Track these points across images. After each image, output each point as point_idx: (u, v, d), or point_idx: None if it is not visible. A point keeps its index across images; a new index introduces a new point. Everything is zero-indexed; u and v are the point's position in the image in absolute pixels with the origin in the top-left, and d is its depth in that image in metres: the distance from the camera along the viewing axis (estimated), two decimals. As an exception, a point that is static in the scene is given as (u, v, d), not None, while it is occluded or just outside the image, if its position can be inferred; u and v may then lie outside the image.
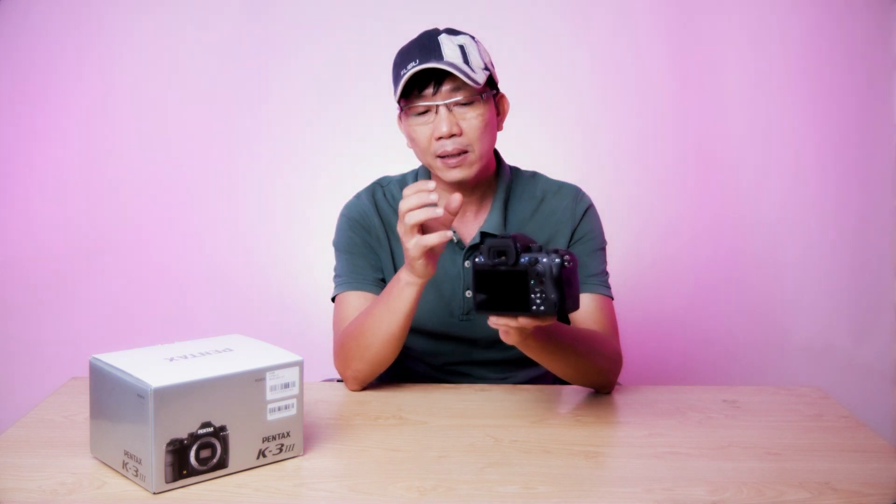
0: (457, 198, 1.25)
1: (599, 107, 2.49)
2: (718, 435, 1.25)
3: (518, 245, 1.13)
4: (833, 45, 2.43)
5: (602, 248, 1.54)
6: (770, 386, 1.51)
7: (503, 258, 1.14)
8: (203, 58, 2.46)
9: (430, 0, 2.31)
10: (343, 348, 1.43)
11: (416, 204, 1.24)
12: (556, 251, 1.11)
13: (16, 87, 2.45)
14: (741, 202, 2.48)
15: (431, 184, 1.24)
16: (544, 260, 1.11)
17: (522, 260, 1.12)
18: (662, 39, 2.44)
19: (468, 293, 1.49)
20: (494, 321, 1.17)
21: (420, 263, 1.28)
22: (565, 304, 1.12)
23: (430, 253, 1.28)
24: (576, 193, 1.55)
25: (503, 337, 1.20)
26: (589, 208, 1.54)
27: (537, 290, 1.11)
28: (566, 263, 1.11)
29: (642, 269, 2.46)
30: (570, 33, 2.46)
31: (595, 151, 2.49)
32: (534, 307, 1.12)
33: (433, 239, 1.24)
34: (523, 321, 1.14)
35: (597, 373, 1.40)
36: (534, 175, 1.58)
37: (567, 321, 1.48)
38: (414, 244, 1.25)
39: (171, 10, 2.45)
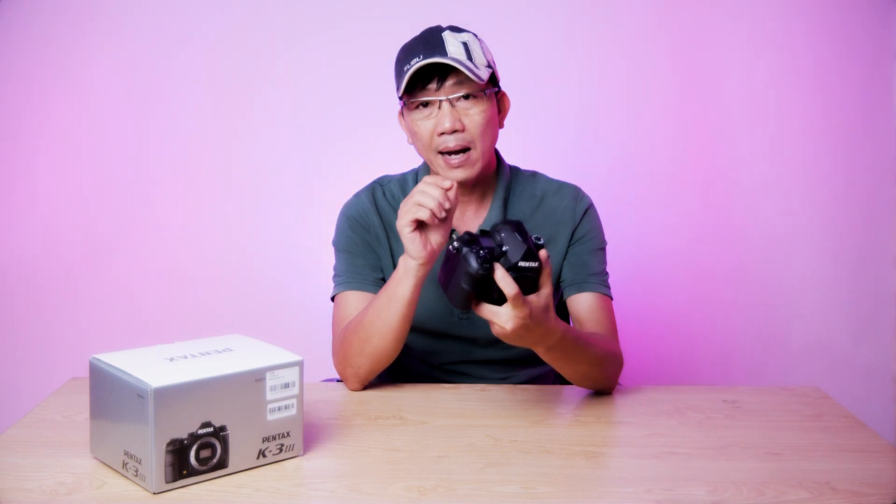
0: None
1: (600, 106, 2.49)
2: (718, 435, 1.25)
3: (492, 230, 1.16)
4: (833, 44, 2.43)
5: (602, 247, 1.54)
6: (770, 386, 1.51)
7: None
8: (203, 57, 2.46)
9: (430, 0, 2.30)
10: (344, 344, 1.43)
11: (426, 188, 1.29)
12: (478, 246, 1.13)
13: (15, 87, 2.45)
14: (741, 202, 2.48)
15: (449, 182, 1.30)
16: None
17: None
18: (663, 39, 2.44)
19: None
20: None
21: (410, 239, 1.30)
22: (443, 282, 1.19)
23: (423, 231, 1.31)
24: (576, 193, 1.55)
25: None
26: (589, 208, 1.54)
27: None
28: (450, 246, 1.15)
29: (642, 269, 2.46)
30: (571, 33, 2.46)
31: (595, 151, 2.49)
32: None
33: (414, 209, 1.29)
34: None
35: (602, 375, 1.40)
36: (534, 174, 1.58)
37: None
38: (401, 212, 1.30)
39: (170, 9, 2.45)
